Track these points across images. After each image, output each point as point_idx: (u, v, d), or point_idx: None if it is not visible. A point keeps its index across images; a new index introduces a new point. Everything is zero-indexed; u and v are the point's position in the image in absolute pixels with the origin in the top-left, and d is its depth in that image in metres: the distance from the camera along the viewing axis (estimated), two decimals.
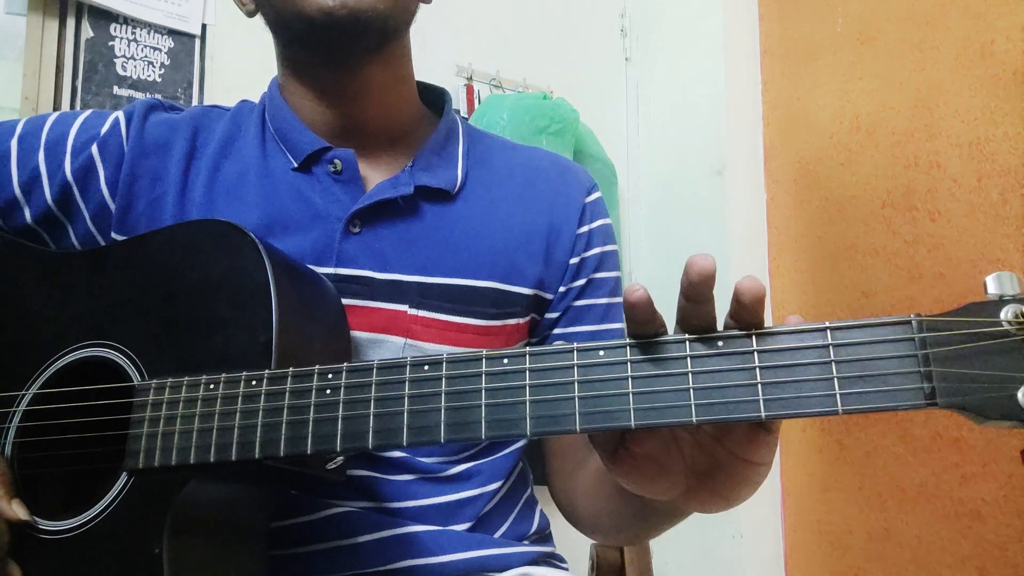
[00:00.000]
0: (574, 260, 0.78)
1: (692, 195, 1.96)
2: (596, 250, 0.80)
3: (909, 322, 0.42)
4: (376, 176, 0.74)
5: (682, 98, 2.03)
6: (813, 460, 1.71)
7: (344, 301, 0.68)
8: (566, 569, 0.78)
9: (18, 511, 0.58)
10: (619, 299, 0.81)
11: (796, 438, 1.75)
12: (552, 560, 0.79)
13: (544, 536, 0.81)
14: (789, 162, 1.83)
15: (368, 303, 0.70)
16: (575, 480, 0.75)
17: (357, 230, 0.71)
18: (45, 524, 0.58)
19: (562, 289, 0.78)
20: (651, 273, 2.06)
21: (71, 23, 1.46)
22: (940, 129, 1.48)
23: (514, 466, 0.78)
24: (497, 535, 0.74)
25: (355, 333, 0.69)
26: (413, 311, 0.70)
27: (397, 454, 0.70)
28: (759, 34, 1.93)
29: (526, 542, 0.77)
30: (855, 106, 1.66)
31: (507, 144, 0.86)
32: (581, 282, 0.78)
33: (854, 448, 1.61)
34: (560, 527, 0.83)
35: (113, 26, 1.50)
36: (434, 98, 0.83)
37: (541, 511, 0.82)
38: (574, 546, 0.88)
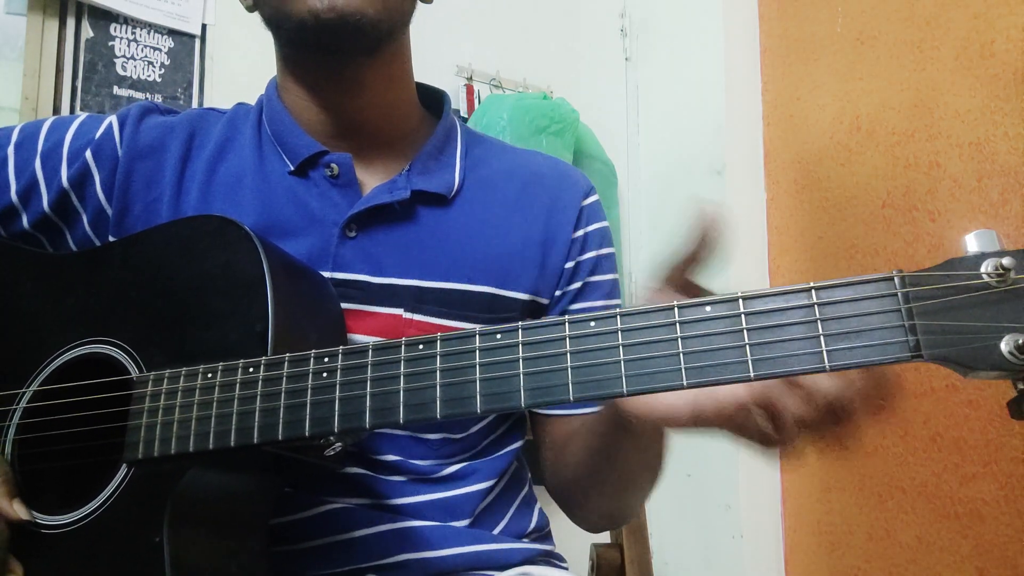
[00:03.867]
0: (569, 264, 0.78)
1: (692, 195, 1.96)
2: (592, 253, 0.79)
3: (892, 278, 0.43)
4: (373, 180, 0.74)
5: (682, 98, 2.03)
6: (813, 460, 1.71)
7: (341, 306, 0.68)
8: (566, 568, 0.78)
9: (19, 511, 0.58)
10: (616, 301, 0.81)
11: None
12: (552, 559, 0.79)
13: (543, 535, 0.81)
14: (789, 162, 1.83)
15: (364, 307, 0.70)
16: (564, 457, 0.75)
17: (353, 235, 0.71)
18: (46, 519, 0.58)
19: (557, 293, 0.77)
20: (651, 273, 2.06)
21: (71, 23, 1.46)
22: (940, 129, 1.48)
23: (508, 465, 0.78)
24: (495, 532, 0.74)
25: (351, 337, 0.69)
26: (408, 315, 0.70)
27: (391, 457, 0.70)
28: (759, 34, 1.93)
29: (525, 540, 0.77)
30: (855, 106, 1.66)
31: (506, 147, 0.86)
32: (577, 285, 0.78)
33: (854, 448, 1.61)
34: (560, 527, 0.83)
35: (113, 26, 1.50)
36: (433, 100, 0.82)
37: (540, 509, 0.82)
38: (574, 546, 0.89)
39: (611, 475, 0.68)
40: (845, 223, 1.66)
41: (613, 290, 0.81)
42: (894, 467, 1.51)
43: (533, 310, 0.77)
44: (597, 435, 0.67)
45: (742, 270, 1.83)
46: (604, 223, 0.82)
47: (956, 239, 1.40)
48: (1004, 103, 1.37)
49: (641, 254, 2.09)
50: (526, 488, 0.81)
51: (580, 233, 0.79)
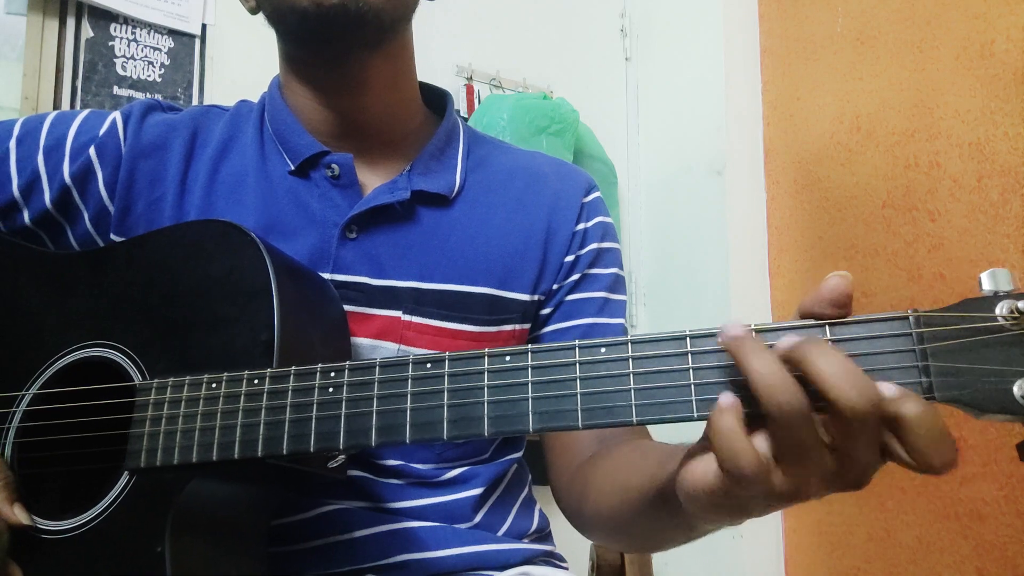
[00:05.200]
0: (569, 258, 0.77)
1: (692, 195, 1.96)
2: (592, 246, 0.79)
3: (907, 318, 0.42)
4: (374, 180, 0.74)
5: (682, 98, 2.03)
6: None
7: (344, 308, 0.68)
8: (566, 569, 0.78)
9: (19, 515, 0.58)
10: (619, 296, 0.80)
11: None
12: (552, 559, 0.78)
13: (544, 535, 0.81)
14: (789, 162, 1.83)
15: (364, 310, 0.69)
16: (585, 476, 0.72)
17: (354, 236, 0.70)
18: (46, 524, 0.58)
19: (555, 287, 0.77)
20: (651, 273, 2.06)
21: (71, 23, 1.46)
22: (940, 129, 1.48)
23: (509, 469, 0.78)
24: (498, 534, 0.74)
25: (352, 339, 0.68)
26: (407, 317, 0.70)
27: (392, 461, 0.70)
28: (759, 34, 1.93)
29: (526, 540, 0.77)
30: (855, 106, 1.66)
31: (508, 148, 0.86)
32: (575, 277, 0.78)
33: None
34: (560, 527, 0.83)
35: (113, 26, 1.50)
36: (436, 99, 0.82)
37: (540, 510, 0.82)
38: (574, 546, 0.88)
39: (643, 528, 0.63)
40: (845, 223, 1.66)
41: (615, 285, 0.80)
42: (894, 467, 1.51)
43: (533, 311, 0.77)
44: (638, 492, 0.59)
45: (742, 270, 1.83)
46: (606, 218, 0.82)
47: (956, 239, 1.40)
48: (1004, 103, 1.37)
49: (641, 254, 2.09)
50: (526, 490, 0.81)
51: (581, 227, 0.79)
